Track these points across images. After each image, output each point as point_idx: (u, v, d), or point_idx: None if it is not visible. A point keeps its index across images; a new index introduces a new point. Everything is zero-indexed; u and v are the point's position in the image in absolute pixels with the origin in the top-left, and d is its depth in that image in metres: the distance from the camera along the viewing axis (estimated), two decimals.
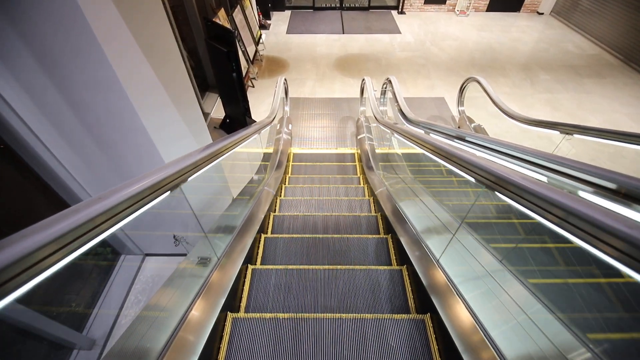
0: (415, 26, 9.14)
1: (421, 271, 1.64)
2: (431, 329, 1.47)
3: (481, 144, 1.98)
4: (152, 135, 1.92)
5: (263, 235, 2.41)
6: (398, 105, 3.66)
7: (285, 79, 4.59)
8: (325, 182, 3.91)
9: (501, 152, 1.74)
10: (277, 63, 7.23)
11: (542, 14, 10.14)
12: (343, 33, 8.59)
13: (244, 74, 5.70)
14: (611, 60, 7.38)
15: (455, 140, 2.37)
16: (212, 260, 1.55)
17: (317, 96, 6.07)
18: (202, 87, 5.92)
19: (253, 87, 6.31)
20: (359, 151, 4.55)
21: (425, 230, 1.91)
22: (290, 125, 4.75)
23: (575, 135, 2.56)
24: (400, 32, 8.68)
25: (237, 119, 4.88)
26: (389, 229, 2.49)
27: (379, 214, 2.86)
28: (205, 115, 5.45)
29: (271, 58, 7.44)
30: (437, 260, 1.55)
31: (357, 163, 4.48)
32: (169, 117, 2.17)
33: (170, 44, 2.16)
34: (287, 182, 3.90)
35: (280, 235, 2.43)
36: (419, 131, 2.70)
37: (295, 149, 4.85)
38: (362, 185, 3.80)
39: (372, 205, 3.17)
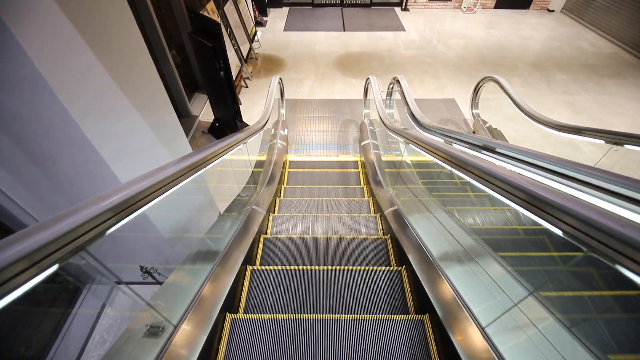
0: (420, 23, 8.74)
1: (455, 335, 1.21)
2: None
3: (524, 160, 1.55)
4: (100, 148, 1.49)
5: (249, 267, 1.98)
6: (408, 107, 3.24)
7: (280, 79, 4.18)
8: (325, 194, 3.49)
9: (559, 173, 1.32)
10: (274, 62, 6.82)
11: (553, 11, 9.76)
12: (344, 30, 8.19)
13: (235, 72, 5.28)
14: (630, 60, 6.99)
15: (483, 151, 1.94)
16: (167, 329, 1.12)
17: (316, 97, 5.65)
18: (191, 87, 5.50)
19: (247, 87, 5.90)
20: (362, 158, 4.13)
21: (458, 274, 1.48)
22: (285, 130, 4.34)
23: (627, 146, 2.15)
24: (404, 30, 8.28)
25: (228, 122, 4.45)
26: (401, 258, 2.06)
27: (389, 236, 2.44)
28: (193, 118, 5.03)
29: (267, 56, 7.03)
30: (483, 330, 1.12)
31: (360, 171, 4.07)
32: (129, 125, 1.74)
33: (131, 31, 1.74)
34: (282, 195, 3.48)
35: (271, 268, 2.00)
36: (438, 140, 2.28)
37: (291, 156, 4.43)
38: (366, 198, 3.38)
39: (379, 223, 2.75)
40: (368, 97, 4.58)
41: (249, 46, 6.31)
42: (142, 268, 2.18)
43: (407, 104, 3.30)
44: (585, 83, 6.13)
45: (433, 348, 1.42)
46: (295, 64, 6.72)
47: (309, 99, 5.59)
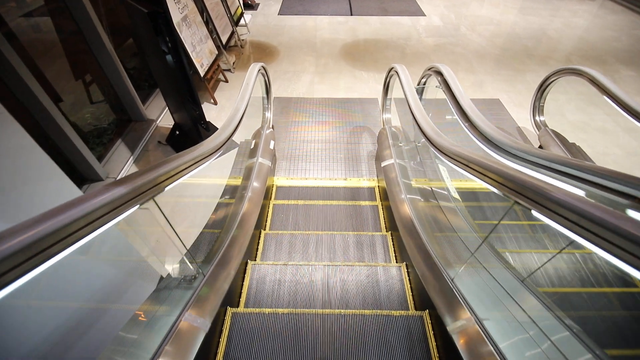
0: (441, 7, 7.49)
1: None
2: None
3: None
4: None
5: None
6: (468, 117, 2.01)
7: (264, 68, 2.94)
8: (328, 247, 2.26)
9: None
10: (264, 51, 5.58)
11: None
12: (351, 15, 6.94)
13: (209, 61, 4.04)
14: None
15: None
16: None
17: (316, 95, 4.40)
18: (151, 81, 4.26)
19: (226, 81, 4.65)
20: (382, 184, 2.89)
21: None
22: (272, 143, 3.10)
23: None
24: (424, 14, 7.02)
25: (191, 129, 3.21)
26: None
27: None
28: (148, 123, 3.79)
29: (257, 44, 5.79)
30: None
31: (379, 204, 2.83)
32: None
33: None
34: (261, 244, 2.26)
35: None
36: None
37: (280, 180, 3.19)
38: (394, 262, 2.15)
39: (427, 325, 1.52)
40: (389, 97, 3.34)
41: (231, 30, 5.07)
42: None
43: (463, 111, 2.07)
44: None
45: None
46: (291, 53, 5.47)
47: (307, 98, 4.34)
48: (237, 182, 2.80)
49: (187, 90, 2.65)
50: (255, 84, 3.10)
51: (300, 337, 1.53)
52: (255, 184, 2.52)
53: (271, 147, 3.06)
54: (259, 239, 2.42)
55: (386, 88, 3.28)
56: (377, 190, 3.07)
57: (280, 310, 1.61)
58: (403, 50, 5.61)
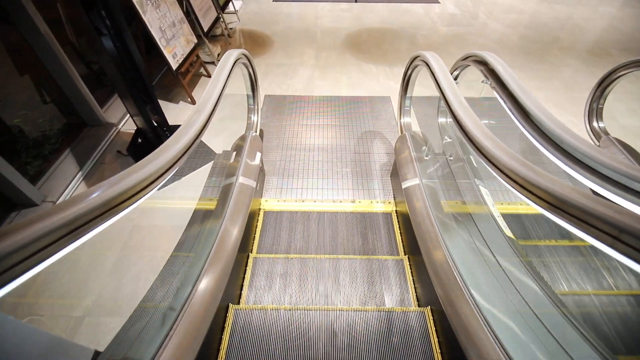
0: None
1: None
2: None
3: None
4: None
5: None
6: (541, 127, 1.34)
7: (246, 56, 2.24)
8: (332, 298, 1.59)
9: None
10: (256, 40, 4.88)
11: None
12: (355, 1, 6.23)
13: (185, 51, 3.33)
14: None
15: None
16: None
17: (316, 93, 3.71)
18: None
19: (209, 76, 3.95)
20: (401, 208, 2.21)
21: None
22: (258, 155, 2.41)
23: None
24: (437, 1, 6.31)
25: (153, 137, 2.53)
26: None
27: None
28: (107, 127, 3.09)
29: (248, 34, 5.09)
30: None
31: (399, 239, 2.15)
32: None
33: None
34: (244, 291, 1.59)
35: None
36: None
37: (270, 203, 2.50)
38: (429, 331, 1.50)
39: None
40: (409, 94, 2.64)
41: (216, 16, 4.36)
42: None
43: (532, 117, 1.41)
44: None
45: None
46: (287, 44, 4.77)
47: (305, 96, 3.65)
48: (205, 221, 2.12)
49: (140, 86, 1.95)
50: (239, 78, 2.43)
51: None
52: (229, 226, 1.83)
53: (257, 161, 2.37)
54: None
55: (406, 84, 2.58)
56: (394, 217, 2.38)
57: None
58: (416, 40, 4.91)
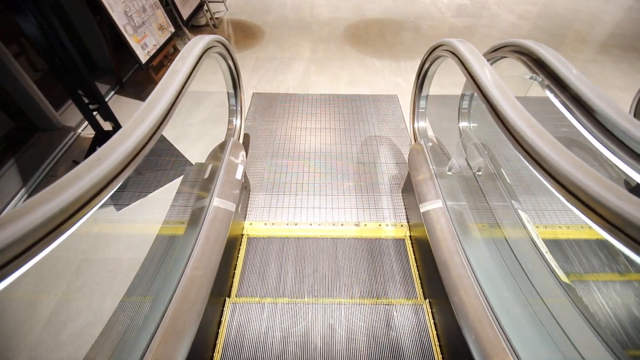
0: None
1: None
2: None
3: None
4: None
5: None
6: (623, 140, 0.89)
7: (224, 46, 1.78)
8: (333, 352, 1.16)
9: None
10: (245, 32, 4.39)
11: None
12: None
13: (156, 43, 2.85)
14: None
15: None
16: None
17: (312, 91, 3.24)
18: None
19: None
20: (419, 233, 1.77)
21: None
22: (240, 168, 1.95)
23: None
24: None
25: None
26: None
27: None
28: (62, 132, 2.61)
29: (236, 24, 4.60)
30: None
31: (415, 275, 1.71)
32: None
33: None
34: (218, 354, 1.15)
35: None
36: None
37: (255, 227, 2.04)
38: None
39: None
40: (424, 94, 2.19)
41: (198, 3, 3.86)
42: None
43: (615, 133, 0.95)
44: None
45: None
46: (280, 35, 4.29)
47: (300, 94, 3.18)
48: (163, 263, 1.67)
49: (77, 82, 1.47)
50: (215, 73, 1.97)
51: None
52: (199, 264, 1.38)
53: (238, 175, 1.90)
54: None
55: (421, 80, 2.13)
56: (409, 245, 1.94)
57: None
58: (423, 32, 4.44)
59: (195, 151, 2.50)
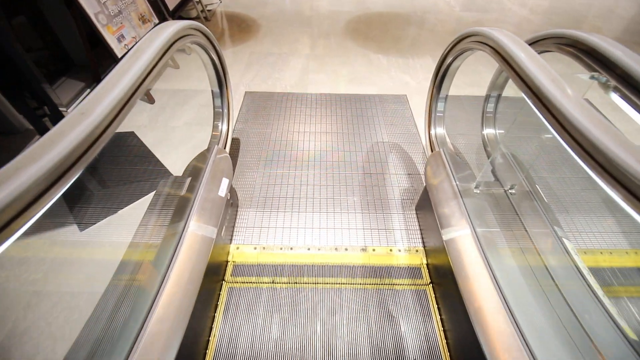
0: None
1: None
2: None
3: None
4: None
5: None
6: None
7: (203, 34, 1.46)
8: None
9: None
10: (239, 25, 4.05)
11: None
12: None
13: (135, 35, 2.52)
14: None
15: None
16: None
17: (311, 90, 2.92)
18: (53, 67, 2.74)
19: (176, 67, 3.14)
20: (440, 261, 1.45)
21: None
22: (225, 183, 1.63)
23: None
24: None
25: None
26: None
27: None
28: (28, 136, 2.29)
29: (231, 17, 4.26)
30: None
31: (436, 318, 1.40)
32: None
33: None
34: None
35: None
36: None
37: (242, 253, 1.72)
38: None
39: None
40: (443, 94, 1.87)
41: None
42: None
43: None
44: None
45: None
46: (277, 29, 3.96)
47: (298, 93, 2.86)
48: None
49: (15, 78, 1.15)
50: (200, 68, 1.68)
51: None
52: (165, 314, 1.07)
53: (222, 191, 1.58)
54: None
55: (441, 77, 1.80)
56: (425, 274, 1.62)
57: None
58: (431, 27, 4.12)
59: (177, 158, 2.18)
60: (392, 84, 3.02)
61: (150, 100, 2.67)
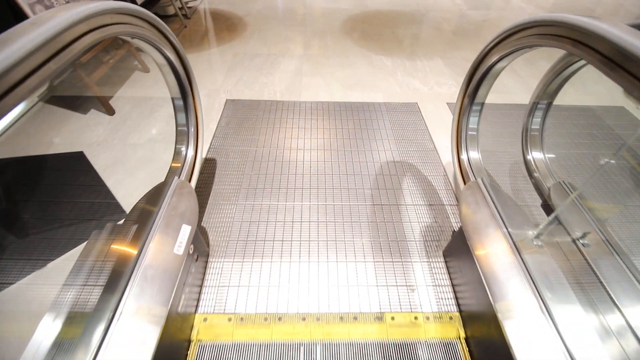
0: None
1: None
2: None
3: None
4: None
5: None
6: None
7: (150, 23, 0.99)
8: None
9: None
10: (224, 23, 3.59)
11: None
12: None
13: None
14: None
15: None
16: None
17: (304, 97, 2.47)
18: None
19: (145, 71, 2.66)
20: (485, 332, 1.01)
21: None
22: (184, 233, 1.17)
23: None
24: None
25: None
26: None
27: None
28: None
29: (215, 14, 3.80)
30: None
31: None
32: None
33: None
34: None
35: None
36: None
37: (211, 325, 1.23)
38: None
39: None
40: (476, 105, 1.43)
41: None
42: None
43: None
44: None
45: None
46: (266, 28, 3.51)
47: (289, 101, 2.40)
48: None
49: None
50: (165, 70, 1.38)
51: None
52: None
53: (179, 248, 1.11)
54: None
55: (476, 84, 1.36)
56: (464, 352, 1.17)
57: None
58: (437, 26, 3.71)
59: (133, 188, 1.70)
60: (399, 89, 2.58)
61: (108, 110, 2.19)
